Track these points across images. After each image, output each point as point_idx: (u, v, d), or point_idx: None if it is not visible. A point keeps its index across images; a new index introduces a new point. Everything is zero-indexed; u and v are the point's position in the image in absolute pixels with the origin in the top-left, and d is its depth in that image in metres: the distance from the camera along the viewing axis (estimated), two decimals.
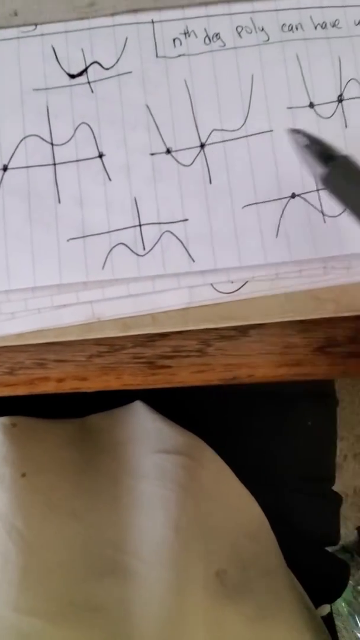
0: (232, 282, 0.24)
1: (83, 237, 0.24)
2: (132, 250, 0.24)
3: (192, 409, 0.41)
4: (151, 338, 0.25)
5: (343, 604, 0.73)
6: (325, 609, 0.40)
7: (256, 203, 0.24)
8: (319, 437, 0.46)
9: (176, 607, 0.31)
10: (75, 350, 0.25)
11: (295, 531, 0.41)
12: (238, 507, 0.40)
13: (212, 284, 0.24)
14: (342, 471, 0.80)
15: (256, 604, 0.35)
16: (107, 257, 0.23)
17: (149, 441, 0.39)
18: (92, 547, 0.34)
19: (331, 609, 0.40)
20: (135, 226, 0.24)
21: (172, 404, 0.40)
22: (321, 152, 0.20)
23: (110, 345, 0.25)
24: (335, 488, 0.43)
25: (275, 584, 0.37)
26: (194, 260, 0.24)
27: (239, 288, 0.24)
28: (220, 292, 0.24)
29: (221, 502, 0.39)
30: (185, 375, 0.25)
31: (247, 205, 0.24)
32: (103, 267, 0.23)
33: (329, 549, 0.44)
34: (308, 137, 0.20)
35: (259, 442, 0.44)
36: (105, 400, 0.42)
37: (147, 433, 0.40)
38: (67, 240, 0.23)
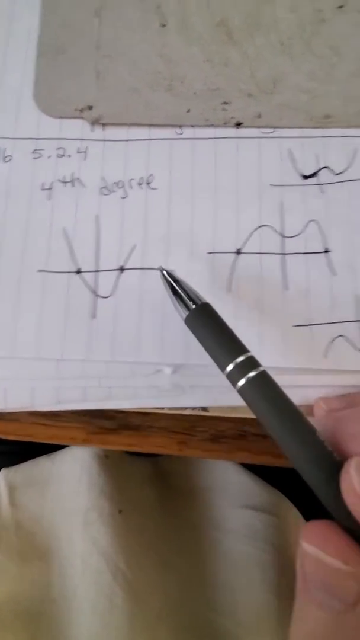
0: None
1: (307, 325, 0.25)
2: (352, 344, 0.25)
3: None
4: None
5: None
6: None
7: None
8: None
9: None
10: None
11: None
12: None
13: None
14: None
15: None
16: (328, 347, 0.25)
17: (233, 494, 0.38)
18: (185, 602, 0.33)
19: None
20: (356, 321, 0.25)
21: None
22: (186, 295, 0.22)
23: None
24: None
25: None
26: None
27: None
28: None
29: None
30: None
31: None
32: (325, 356, 0.25)
33: None
34: (175, 279, 0.23)
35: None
36: None
37: (229, 485, 0.39)
38: (293, 326, 0.25)
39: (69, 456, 0.37)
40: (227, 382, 0.25)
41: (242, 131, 0.28)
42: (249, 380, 0.20)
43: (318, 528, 0.16)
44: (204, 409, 0.25)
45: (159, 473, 0.40)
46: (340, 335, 0.25)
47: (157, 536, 0.36)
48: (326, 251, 0.26)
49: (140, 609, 0.30)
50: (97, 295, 0.26)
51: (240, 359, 0.20)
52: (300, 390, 0.25)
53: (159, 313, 0.25)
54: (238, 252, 0.26)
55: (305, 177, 0.27)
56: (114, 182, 0.27)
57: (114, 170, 0.27)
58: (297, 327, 0.25)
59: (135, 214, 0.27)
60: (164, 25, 0.29)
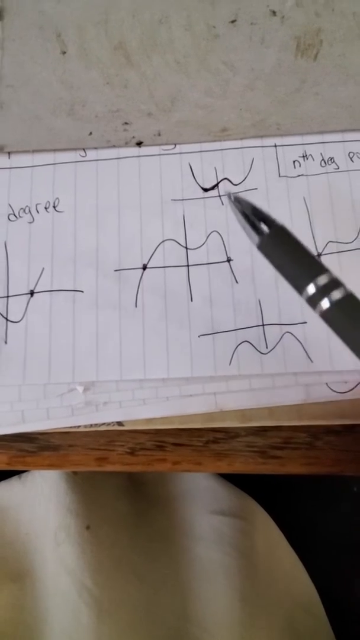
0: (345, 382, 0.26)
1: (212, 334, 0.26)
2: (256, 349, 0.26)
3: None
4: (263, 428, 0.27)
5: None
6: None
7: None
8: None
9: None
10: (192, 435, 0.27)
11: (343, 602, 0.40)
12: (291, 576, 0.39)
13: (327, 383, 0.26)
14: None
15: None
16: (233, 354, 0.26)
17: (202, 500, 0.39)
18: (156, 611, 0.34)
19: None
20: (258, 326, 0.26)
21: None
22: (260, 219, 0.20)
23: (226, 432, 0.27)
24: None
25: None
26: (312, 361, 0.26)
27: (353, 388, 0.26)
28: (335, 391, 0.26)
29: (276, 570, 0.38)
30: (294, 466, 0.27)
31: None
32: (230, 363, 0.25)
33: None
34: (246, 204, 0.21)
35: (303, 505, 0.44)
36: None
37: (199, 491, 0.40)
38: (198, 337, 0.26)
39: (38, 477, 0.37)
40: (139, 396, 0.26)
41: (143, 150, 0.29)
42: (332, 303, 0.18)
43: None
44: (120, 423, 0.26)
45: (134, 484, 0.41)
46: (245, 341, 0.26)
47: (129, 548, 0.36)
48: (228, 260, 0.27)
49: (106, 624, 0.31)
50: (8, 320, 0.26)
51: (322, 280, 0.18)
52: (210, 397, 0.26)
53: (70, 333, 0.26)
54: (144, 267, 0.27)
55: (206, 189, 0.28)
56: (21, 208, 0.28)
57: (21, 196, 0.28)
58: (202, 336, 0.26)
59: (42, 238, 0.27)
60: (64, 53, 0.30)
